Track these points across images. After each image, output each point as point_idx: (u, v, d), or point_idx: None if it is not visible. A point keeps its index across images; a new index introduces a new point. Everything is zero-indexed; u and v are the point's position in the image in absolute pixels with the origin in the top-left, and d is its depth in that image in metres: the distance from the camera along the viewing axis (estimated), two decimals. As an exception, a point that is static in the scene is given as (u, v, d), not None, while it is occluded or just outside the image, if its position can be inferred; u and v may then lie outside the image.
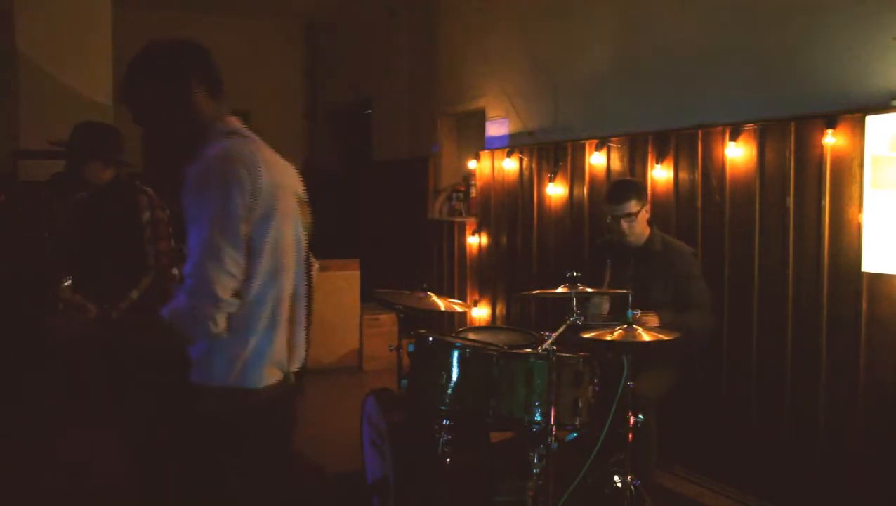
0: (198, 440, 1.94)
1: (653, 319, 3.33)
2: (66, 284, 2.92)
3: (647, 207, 3.68)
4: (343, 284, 6.40)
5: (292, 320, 1.98)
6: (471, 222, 6.27)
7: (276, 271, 1.91)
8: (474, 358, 3.00)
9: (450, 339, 3.19)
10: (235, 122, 2.03)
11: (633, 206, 3.58)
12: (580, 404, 2.95)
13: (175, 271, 3.48)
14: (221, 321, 1.80)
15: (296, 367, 2.03)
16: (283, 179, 1.98)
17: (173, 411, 1.99)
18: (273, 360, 1.92)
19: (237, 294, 1.82)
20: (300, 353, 2.03)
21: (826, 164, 3.39)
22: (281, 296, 1.93)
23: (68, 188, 4.03)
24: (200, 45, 2.05)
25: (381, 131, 8.38)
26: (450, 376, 2.98)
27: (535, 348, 2.99)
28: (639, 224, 3.63)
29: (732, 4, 3.93)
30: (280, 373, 1.95)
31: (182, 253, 3.70)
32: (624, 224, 3.61)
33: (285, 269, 1.94)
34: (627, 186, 3.70)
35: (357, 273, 6.48)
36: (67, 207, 4.76)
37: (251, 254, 1.84)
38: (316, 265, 2.23)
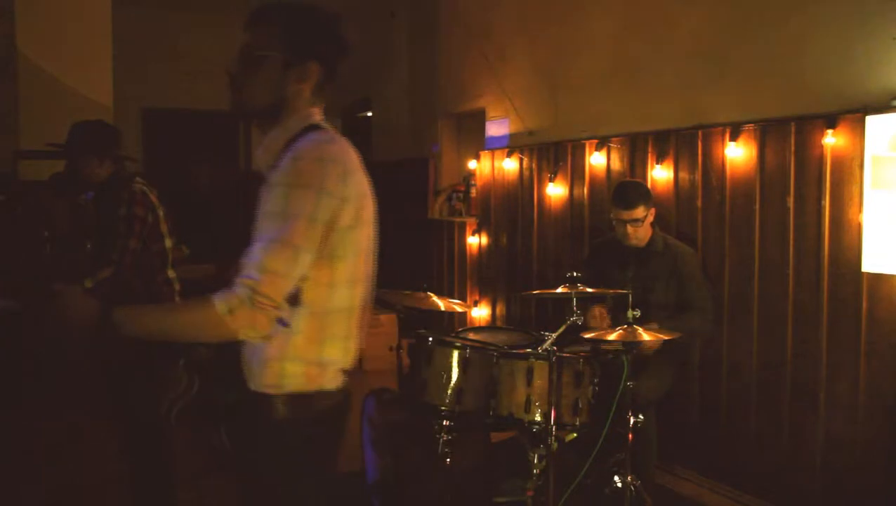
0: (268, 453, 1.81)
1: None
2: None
3: (653, 210, 3.66)
4: (343, 284, 6.39)
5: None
6: (471, 222, 6.27)
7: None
8: (474, 358, 3.00)
9: (450, 339, 3.19)
10: (319, 117, 1.83)
11: (640, 211, 3.56)
12: (580, 404, 2.95)
13: (171, 274, 3.39)
14: (269, 325, 1.67)
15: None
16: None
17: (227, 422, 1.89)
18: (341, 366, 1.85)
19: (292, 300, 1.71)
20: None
21: (826, 164, 3.39)
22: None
23: (68, 188, 4.02)
24: (334, 12, 1.76)
25: (380, 131, 8.37)
26: (450, 376, 2.99)
27: (535, 348, 2.99)
28: (643, 229, 3.61)
29: (732, 4, 3.93)
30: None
31: (181, 253, 3.67)
32: (630, 229, 3.58)
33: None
34: (638, 190, 3.65)
35: (357, 273, 6.45)
36: (69, 207, 4.76)
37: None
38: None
